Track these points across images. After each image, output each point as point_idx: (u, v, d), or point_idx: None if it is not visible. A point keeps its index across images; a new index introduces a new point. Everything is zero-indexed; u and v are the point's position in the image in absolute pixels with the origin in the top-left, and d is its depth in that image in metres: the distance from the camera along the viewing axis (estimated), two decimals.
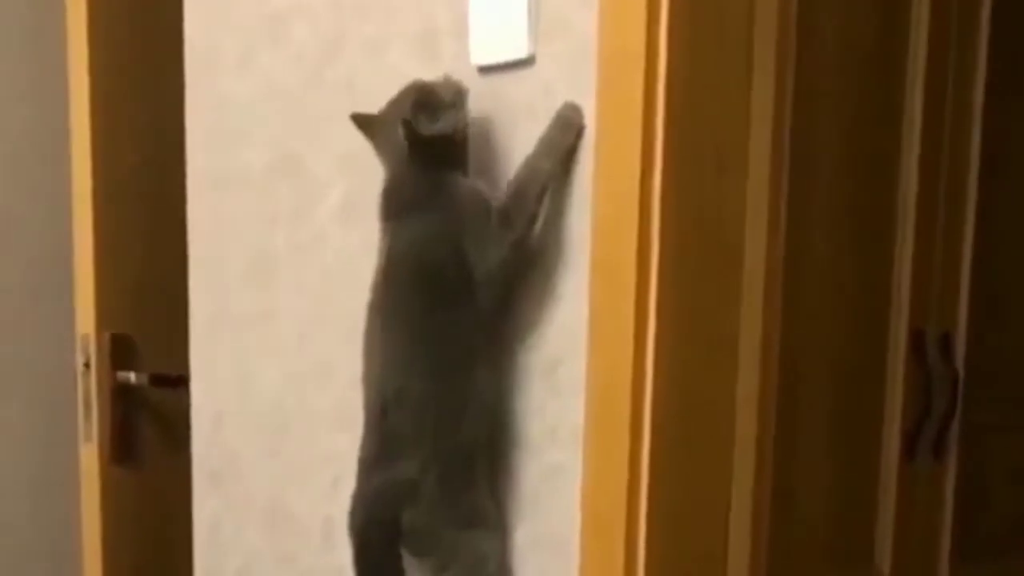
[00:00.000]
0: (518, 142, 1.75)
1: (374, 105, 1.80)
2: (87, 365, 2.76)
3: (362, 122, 1.81)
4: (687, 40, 1.59)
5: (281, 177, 2.13)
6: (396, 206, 1.79)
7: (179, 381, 2.54)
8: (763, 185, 1.72)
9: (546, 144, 1.70)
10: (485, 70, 1.79)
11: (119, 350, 2.78)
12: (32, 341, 3.18)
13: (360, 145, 1.82)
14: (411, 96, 1.75)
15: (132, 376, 2.79)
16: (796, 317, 1.85)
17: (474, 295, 1.73)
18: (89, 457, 2.80)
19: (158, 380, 2.80)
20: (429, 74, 1.80)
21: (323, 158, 2.05)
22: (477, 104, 1.77)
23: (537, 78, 1.73)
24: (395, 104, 1.77)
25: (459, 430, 1.75)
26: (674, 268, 1.62)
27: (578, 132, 1.69)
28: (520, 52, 1.73)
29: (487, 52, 1.77)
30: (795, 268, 1.83)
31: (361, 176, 1.93)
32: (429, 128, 1.73)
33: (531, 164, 1.71)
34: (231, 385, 2.30)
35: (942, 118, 2.10)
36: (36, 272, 3.17)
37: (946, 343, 2.15)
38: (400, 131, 1.73)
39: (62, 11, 2.71)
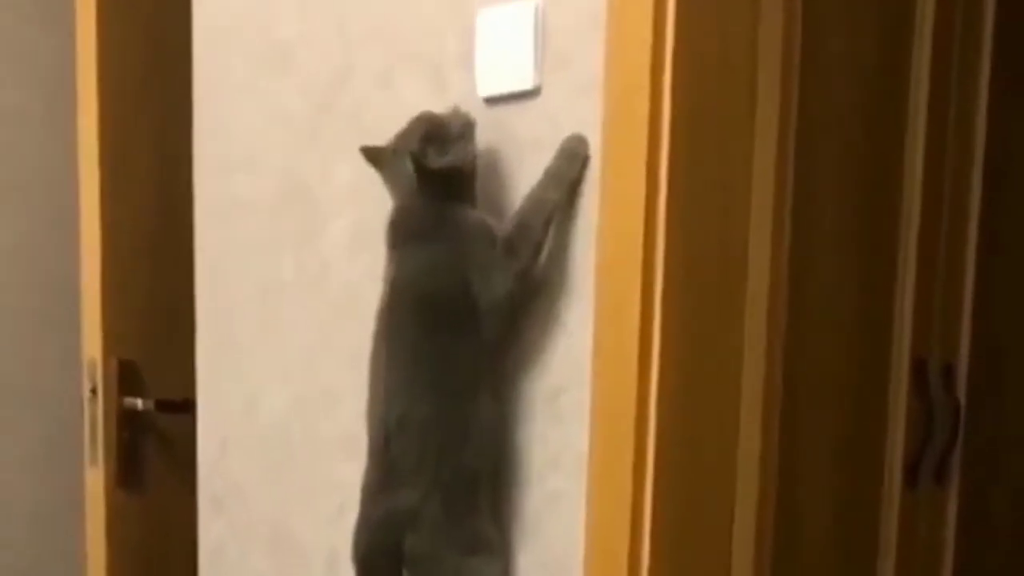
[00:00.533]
0: (524, 172, 1.77)
1: (381, 134, 1.81)
2: (94, 390, 2.77)
3: (371, 155, 1.83)
4: (691, 72, 1.60)
5: (288, 205, 2.15)
6: (403, 236, 1.80)
7: (185, 406, 2.55)
8: (766, 217, 1.73)
9: (552, 175, 1.72)
10: (491, 101, 1.80)
11: (126, 375, 2.79)
12: (40, 366, 3.20)
13: (367, 175, 1.84)
14: (420, 128, 1.77)
15: (139, 402, 2.80)
16: (799, 347, 1.86)
17: (478, 324, 1.74)
18: (95, 481, 2.81)
19: (164, 405, 2.81)
20: (436, 104, 1.82)
21: (330, 187, 2.07)
22: (483, 134, 1.78)
23: (543, 109, 1.75)
24: (404, 136, 1.79)
25: (461, 457, 1.76)
26: (678, 298, 1.63)
27: (583, 163, 1.70)
28: (526, 83, 1.75)
29: (493, 83, 1.79)
30: (798, 298, 1.84)
31: (368, 205, 1.95)
32: (438, 161, 1.75)
33: (536, 195, 1.72)
34: (237, 411, 2.31)
35: (944, 150, 2.12)
36: (44, 298, 3.20)
37: (948, 372, 2.16)
38: (409, 164, 1.75)
39: (72, 40, 2.73)
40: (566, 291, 1.74)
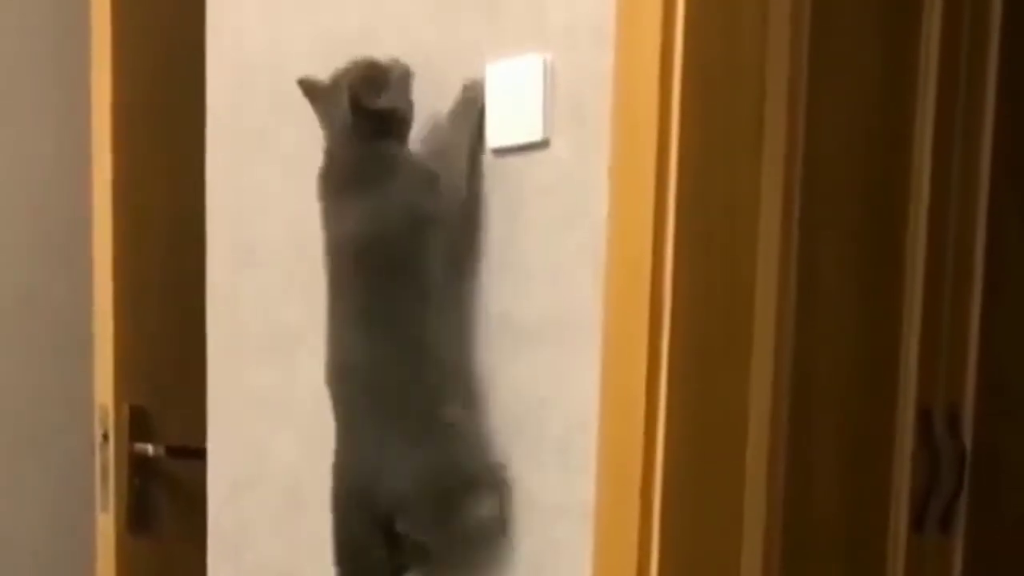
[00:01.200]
0: (532, 223, 1.79)
1: None
2: (105, 436, 2.79)
3: (307, 88, 1.84)
4: (698, 124, 1.63)
5: (300, 253, 2.17)
6: (336, 185, 1.81)
7: (195, 452, 2.57)
8: (772, 268, 1.76)
9: (457, 125, 1.79)
10: (500, 152, 1.83)
11: (136, 421, 2.81)
12: (51, 411, 3.22)
13: None
14: (359, 69, 1.78)
15: (149, 447, 2.82)
16: (805, 395, 1.88)
17: (427, 268, 1.76)
18: (105, 527, 2.82)
19: (175, 451, 2.82)
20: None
21: None
22: (492, 185, 1.81)
23: (551, 160, 1.77)
24: (343, 74, 1.79)
25: (416, 390, 1.77)
26: (684, 348, 1.65)
27: (480, 109, 1.78)
28: (535, 135, 1.78)
29: (503, 135, 1.82)
30: (804, 347, 1.86)
31: None
32: (375, 101, 1.75)
33: (452, 142, 1.78)
34: (247, 457, 2.33)
35: (948, 195, 2.14)
36: (56, 343, 3.21)
37: (953, 419, 2.17)
38: (344, 100, 1.75)
39: (87, 90, 2.76)
40: (573, 339, 1.76)
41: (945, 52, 2.09)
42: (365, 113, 1.75)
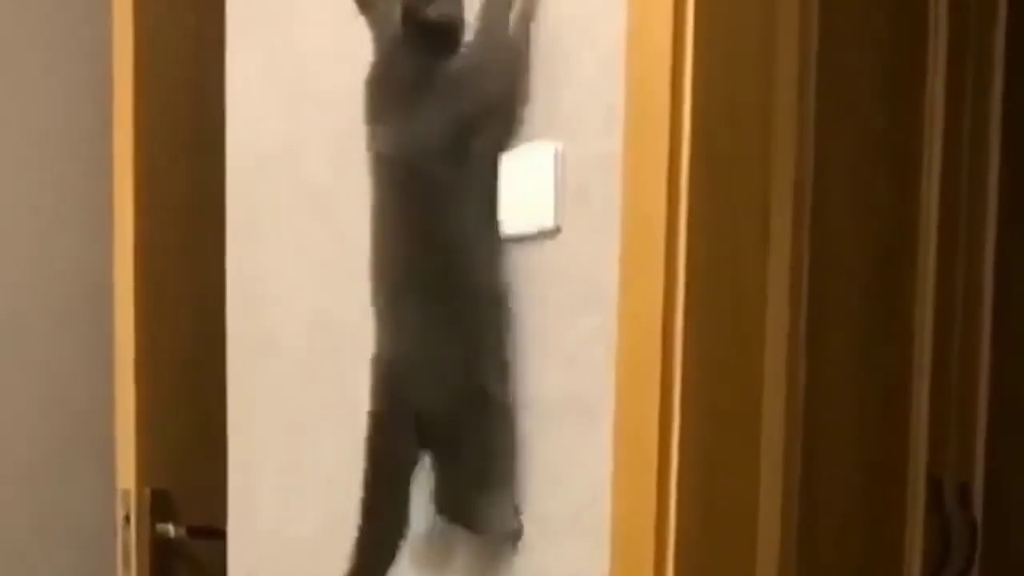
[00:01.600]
0: (548, 305, 1.83)
1: None
2: (127, 519, 2.82)
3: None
4: (707, 210, 1.67)
5: (320, 342, 2.21)
6: (384, 104, 1.79)
7: (216, 533, 2.60)
8: (781, 347, 1.79)
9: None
10: (513, 240, 1.87)
11: (158, 503, 2.84)
12: (73, 493, 3.25)
13: None
14: None
15: (171, 528, 2.85)
16: (815, 471, 1.91)
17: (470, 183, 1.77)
18: None
19: (196, 532, 2.85)
20: None
21: (362, 326, 2.11)
22: (509, 270, 1.86)
23: (564, 246, 1.81)
24: None
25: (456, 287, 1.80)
26: (695, 429, 1.68)
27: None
28: (547, 223, 1.82)
29: (515, 223, 1.86)
30: (813, 424, 1.90)
31: None
32: (428, 11, 1.72)
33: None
34: (267, 537, 2.36)
35: (954, 269, 2.18)
36: (78, 427, 3.25)
37: (964, 492, 2.20)
38: (397, 11, 1.72)
39: (110, 186, 2.81)
40: (588, 416, 1.79)
41: (949, 127, 2.14)
42: (417, 25, 1.72)
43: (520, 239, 1.86)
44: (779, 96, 1.74)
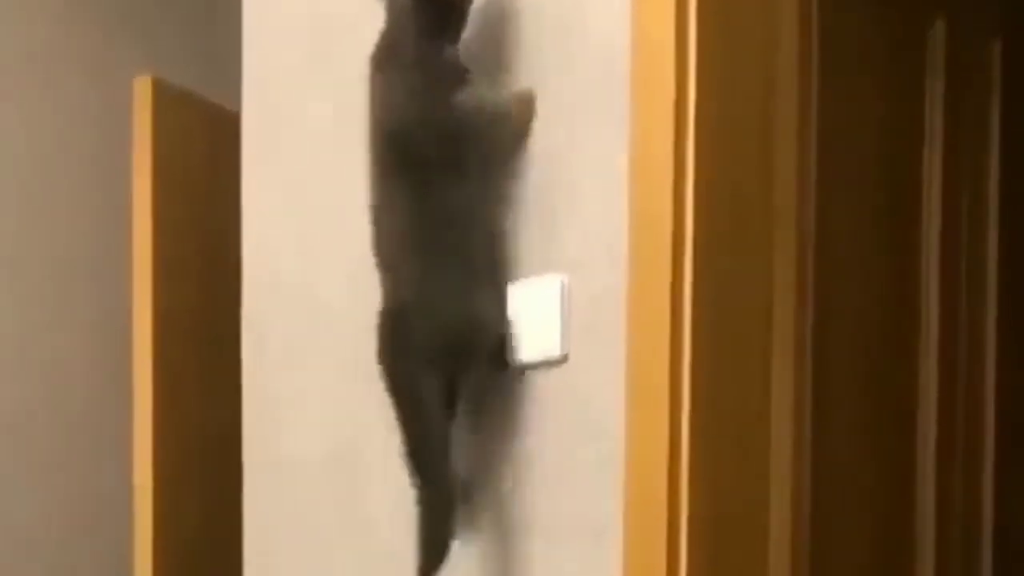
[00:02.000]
0: (555, 432, 1.88)
1: None
2: None
3: None
4: (708, 343, 1.72)
5: (335, 466, 2.24)
6: (381, 61, 1.85)
7: None
8: (786, 469, 1.83)
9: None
10: (523, 367, 1.92)
11: None
12: None
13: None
14: None
15: None
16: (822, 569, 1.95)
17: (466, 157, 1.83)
18: None
19: None
20: None
21: (376, 450, 2.15)
22: (518, 399, 1.91)
23: (569, 375, 1.86)
24: None
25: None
26: (702, 557, 1.72)
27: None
28: (554, 352, 1.87)
29: (525, 351, 1.91)
30: (820, 531, 1.94)
31: None
32: None
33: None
34: None
35: (956, 365, 2.23)
36: (96, 543, 3.28)
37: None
38: None
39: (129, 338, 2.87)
40: (597, 539, 1.83)
41: (946, 232, 2.20)
42: (424, 3, 1.79)
43: (529, 367, 1.91)
44: (777, 232, 1.79)
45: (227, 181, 2.54)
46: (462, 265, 1.86)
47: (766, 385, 1.80)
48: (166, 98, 3.00)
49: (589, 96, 1.83)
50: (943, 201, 2.20)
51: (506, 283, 1.91)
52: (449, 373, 1.88)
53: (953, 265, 2.22)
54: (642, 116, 1.73)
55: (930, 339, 2.19)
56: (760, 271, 1.78)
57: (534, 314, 1.89)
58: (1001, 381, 2.31)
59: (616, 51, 1.78)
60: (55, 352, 3.26)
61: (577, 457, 1.87)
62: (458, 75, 1.83)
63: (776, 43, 1.79)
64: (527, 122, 1.86)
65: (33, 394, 3.26)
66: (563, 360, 1.87)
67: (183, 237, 2.85)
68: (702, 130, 1.70)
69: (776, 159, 1.80)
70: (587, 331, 1.84)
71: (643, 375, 1.74)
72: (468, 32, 1.87)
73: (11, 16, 3.31)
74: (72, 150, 3.28)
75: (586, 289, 1.84)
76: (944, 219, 2.20)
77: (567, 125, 1.86)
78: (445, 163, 1.83)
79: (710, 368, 1.72)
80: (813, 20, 1.94)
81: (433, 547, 1.87)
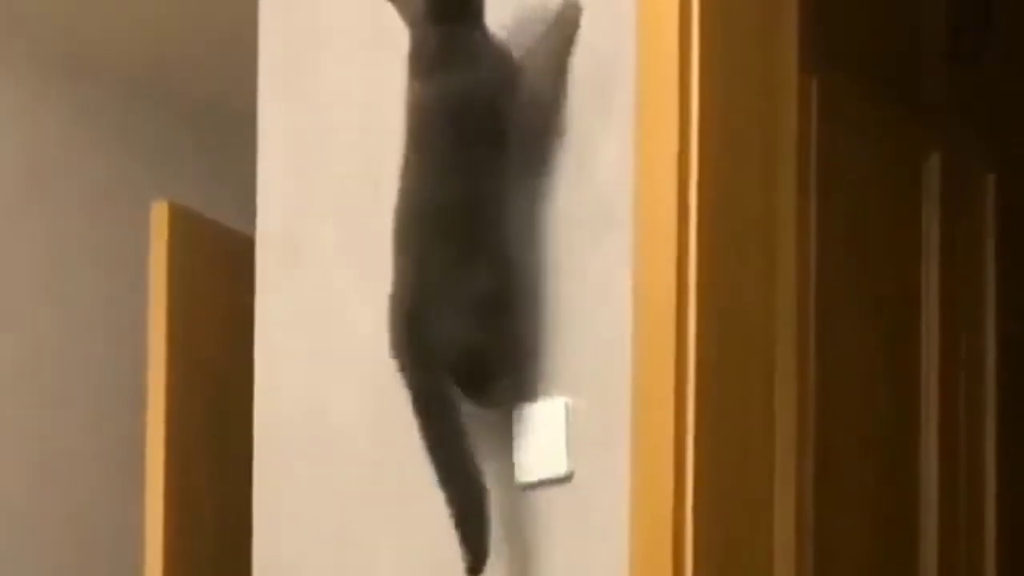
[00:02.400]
0: (561, 547, 1.92)
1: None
2: None
3: None
4: (711, 464, 1.76)
5: (344, 561, 2.24)
6: (422, 64, 1.86)
7: None
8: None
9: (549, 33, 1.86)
10: (528, 487, 1.96)
11: None
12: None
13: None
14: None
15: None
16: None
17: (504, 149, 1.85)
18: None
19: None
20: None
21: (387, 550, 2.16)
22: (524, 517, 1.95)
23: (575, 491, 1.91)
24: None
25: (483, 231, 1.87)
26: None
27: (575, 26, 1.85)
28: (560, 470, 1.92)
29: (531, 471, 1.95)
30: None
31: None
32: None
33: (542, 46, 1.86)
34: None
35: (957, 514, 2.27)
36: None
37: None
38: None
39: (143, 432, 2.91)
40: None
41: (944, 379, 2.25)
42: None
43: (534, 486, 1.95)
44: (779, 354, 1.84)
45: (242, 302, 2.58)
46: (487, 265, 1.88)
47: (769, 504, 1.84)
48: (182, 223, 3.06)
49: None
50: (940, 322, 2.26)
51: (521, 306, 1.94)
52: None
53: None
54: (645, 246, 1.80)
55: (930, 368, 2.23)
56: (761, 391, 1.83)
57: (540, 435, 1.94)
58: (1001, 381, 2.34)
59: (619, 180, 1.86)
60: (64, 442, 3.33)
61: (587, 570, 1.90)
62: (489, 51, 1.85)
63: (774, 172, 1.84)
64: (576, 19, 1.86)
65: (41, 487, 3.32)
66: (568, 477, 1.91)
67: (198, 347, 2.90)
68: (703, 254, 1.76)
69: (777, 276, 1.85)
70: (590, 448, 1.89)
71: (646, 487, 1.78)
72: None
73: (22, 144, 3.41)
74: (87, 269, 3.36)
75: (589, 410, 1.90)
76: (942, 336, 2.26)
77: (567, 243, 1.93)
78: (490, 136, 1.84)
79: (712, 496, 1.77)
80: (812, 142, 2.01)
81: (474, 543, 1.86)
